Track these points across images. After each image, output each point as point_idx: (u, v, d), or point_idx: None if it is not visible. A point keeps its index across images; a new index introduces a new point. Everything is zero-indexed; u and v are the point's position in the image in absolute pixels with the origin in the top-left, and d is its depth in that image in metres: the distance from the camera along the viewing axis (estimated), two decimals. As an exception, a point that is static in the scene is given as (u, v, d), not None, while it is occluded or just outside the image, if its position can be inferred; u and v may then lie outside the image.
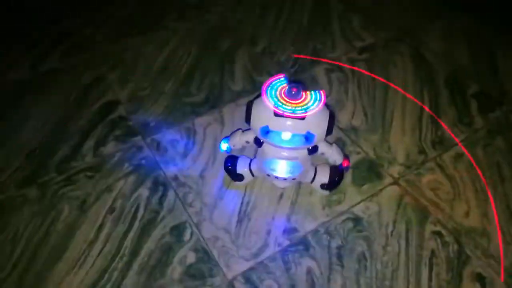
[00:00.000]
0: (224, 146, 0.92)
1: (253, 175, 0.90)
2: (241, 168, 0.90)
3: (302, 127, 0.74)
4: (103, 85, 1.18)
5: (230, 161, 0.90)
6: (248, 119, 0.77)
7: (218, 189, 0.93)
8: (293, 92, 0.73)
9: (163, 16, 1.42)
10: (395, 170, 0.95)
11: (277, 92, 0.74)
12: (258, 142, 0.82)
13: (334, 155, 0.84)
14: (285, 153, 0.80)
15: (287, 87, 0.74)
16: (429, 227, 0.84)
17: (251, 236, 0.85)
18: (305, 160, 0.82)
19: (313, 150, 0.80)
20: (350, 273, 0.79)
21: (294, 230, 0.85)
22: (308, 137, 0.75)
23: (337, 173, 0.87)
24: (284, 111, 0.72)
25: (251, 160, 0.90)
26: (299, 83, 0.76)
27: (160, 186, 0.94)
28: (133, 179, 0.95)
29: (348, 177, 0.93)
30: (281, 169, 0.83)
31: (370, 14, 1.39)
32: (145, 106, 1.12)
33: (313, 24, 1.36)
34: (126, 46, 1.31)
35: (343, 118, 1.06)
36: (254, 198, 0.91)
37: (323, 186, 0.88)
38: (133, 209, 0.90)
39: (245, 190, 0.92)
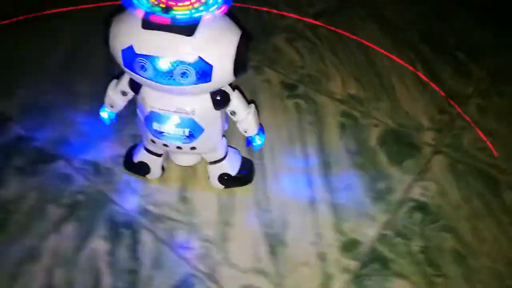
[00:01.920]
0: (104, 114, 0.60)
1: (155, 154, 0.60)
2: (137, 152, 0.61)
3: (189, 50, 0.44)
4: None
5: (126, 156, 0.64)
6: (107, 40, 0.47)
7: (219, 208, 0.60)
8: None
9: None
10: (428, 136, 0.74)
11: None
12: (133, 86, 0.52)
13: (248, 121, 0.56)
14: (170, 102, 0.50)
15: None
16: (509, 195, 0.65)
17: (298, 269, 0.55)
18: (209, 117, 0.53)
19: (221, 100, 0.51)
20: (458, 282, 0.54)
21: (354, 243, 0.58)
22: (200, 69, 0.45)
23: (247, 171, 0.63)
24: (159, 16, 0.43)
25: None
26: None
27: (124, 229, 0.57)
28: (71, 230, 0.56)
29: (380, 155, 0.70)
30: (167, 129, 0.52)
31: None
32: (52, 116, 0.72)
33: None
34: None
35: (335, 89, 0.83)
36: (280, 211, 0.61)
37: (222, 177, 0.61)
38: (88, 280, 0.51)
39: (265, 202, 0.61)
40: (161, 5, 0.44)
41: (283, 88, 0.82)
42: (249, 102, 0.57)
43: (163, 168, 0.63)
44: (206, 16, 0.44)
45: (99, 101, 0.60)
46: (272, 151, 0.69)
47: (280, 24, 1.00)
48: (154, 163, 0.61)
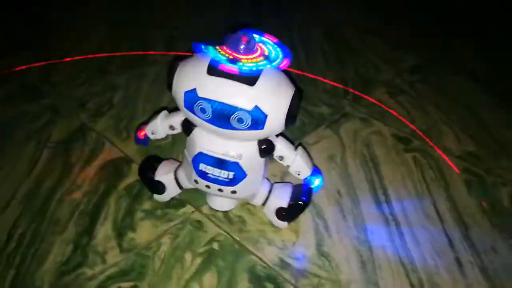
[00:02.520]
0: (140, 134, 0.61)
1: (180, 185, 0.62)
2: (162, 173, 0.61)
3: (248, 99, 0.47)
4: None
5: (148, 163, 0.63)
6: (170, 83, 0.51)
7: (362, 264, 0.56)
8: (243, 43, 0.48)
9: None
10: None
11: (218, 48, 0.50)
12: (186, 127, 0.55)
13: (298, 164, 0.57)
14: (220, 145, 0.53)
15: (232, 39, 0.49)
16: None
17: None
18: (254, 164, 0.55)
19: (266, 149, 0.54)
20: None
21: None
22: (255, 117, 0.48)
23: (303, 194, 0.59)
24: (227, 65, 0.47)
25: (179, 165, 0.62)
26: (251, 31, 0.51)
27: (268, 284, 0.54)
28: (212, 280, 0.53)
29: None
30: (212, 171, 0.54)
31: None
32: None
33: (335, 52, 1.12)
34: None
35: (450, 144, 0.80)
36: (427, 272, 0.57)
37: (279, 212, 0.59)
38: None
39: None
40: (229, 56, 0.48)
41: (397, 141, 0.80)
42: (295, 145, 0.58)
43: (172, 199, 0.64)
44: (267, 69, 0.48)
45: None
46: (402, 208, 0.66)
47: (378, 79, 1.00)
48: (172, 191, 0.62)
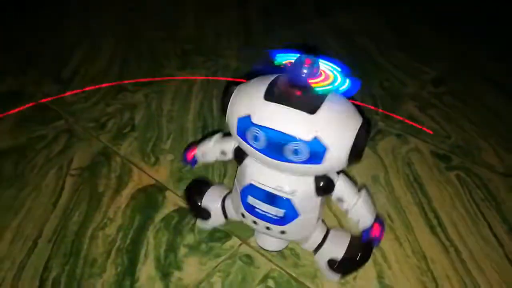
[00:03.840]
0: (190, 154, 0.56)
1: (225, 215, 0.57)
2: (209, 199, 0.57)
3: (307, 128, 0.41)
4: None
5: (194, 186, 0.60)
6: (224, 108, 0.47)
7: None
8: (306, 67, 0.43)
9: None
10: None
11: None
12: (238, 155, 0.50)
13: (359, 210, 0.48)
14: (272, 178, 0.47)
15: (295, 61, 0.44)
16: None
17: None
18: (308, 203, 0.48)
19: (324, 187, 0.47)
20: None
21: None
22: (314, 149, 0.42)
23: (361, 247, 0.51)
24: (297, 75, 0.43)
25: (228, 193, 0.57)
26: (317, 57, 0.45)
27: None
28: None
29: None
30: (261, 206, 0.48)
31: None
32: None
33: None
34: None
35: (492, 161, 0.77)
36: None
37: (332, 264, 0.52)
38: None
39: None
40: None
41: (437, 158, 0.77)
42: (358, 186, 0.50)
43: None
44: (331, 97, 0.43)
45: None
46: (458, 232, 0.62)
47: (405, 92, 0.97)
48: (216, 220, 0.57)
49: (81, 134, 0.76)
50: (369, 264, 0.57)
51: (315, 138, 0.41)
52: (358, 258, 0.51)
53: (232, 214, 0.56)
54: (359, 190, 0.49)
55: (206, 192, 0.57)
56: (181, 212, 0.62)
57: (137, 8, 1.32)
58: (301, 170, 0.44)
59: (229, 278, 0.54)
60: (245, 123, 0.44)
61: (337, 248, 0.52)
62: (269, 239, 0.56)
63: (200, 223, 0.59)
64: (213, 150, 0.54)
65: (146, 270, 0.54)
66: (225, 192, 0.58)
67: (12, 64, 0.96)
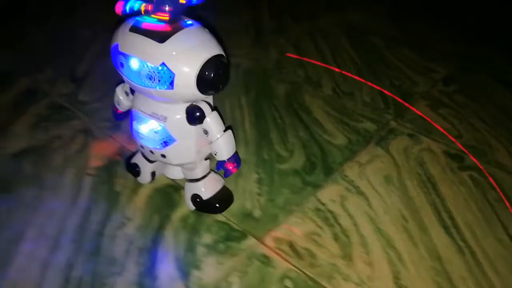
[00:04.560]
0: (114, 110, 0.65)
1: (146, 158, 0.64)
2: (135, 155, 0.66)
3: (157, 55, 0.48)
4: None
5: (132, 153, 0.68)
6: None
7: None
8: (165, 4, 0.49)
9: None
10: None
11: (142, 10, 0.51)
12: (132, 89, 0.59)
13: (218, 144, 0.56)
14: (148, 106, 0.55)
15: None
16: None
17: None
18: (183, 130, 0.55)
19: (194, 116, 0.54)
20: None
21: None
22: (164, 74, 0.48)
23: (222, 199, 0.62)
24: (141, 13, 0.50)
25: None
26: None
27: None
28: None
29: None
30: (144, 130, 0.57)
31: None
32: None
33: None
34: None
35: (505, 161, 0.78)
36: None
37: (194, 198, 0.62)
38: None
39: None
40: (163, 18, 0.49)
41: (449, 158, 0.77)
42: (226, 128, 0.57)
43: (153, 176, 0.66)
44: (187, 30, 0.49)
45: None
46: (473, 234, 0.63)
47: (415, 91, 0.97)
48: (145, 168, 0.64)
49: (97, 134, 0.77)
50: (384, 264, 0.58)
51: (163, 64, 0.48)
52: (211, 207, 0.61)
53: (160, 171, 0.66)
54: (226, 130, 0.56)
55: (138, 152, 0.65)
56: (197, 212, 0.63)
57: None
58: (160, 95, 0.51)
59: (247, 277, 0.55)
60: (115, 51, 0.52)
61: (204, 191, 0.61)
62: (170, 169, 0.66)
63: (140, 180, 0.66)
64: (121, 96, 0.61)
65: (166, 269, 0.55)
66: None
67: (26, 64, 0.96)
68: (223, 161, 0.57)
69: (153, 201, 0.65)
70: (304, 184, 0.70)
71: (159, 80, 0.49)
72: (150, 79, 0.49)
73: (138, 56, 0.49)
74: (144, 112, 0.55)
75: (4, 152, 0.71)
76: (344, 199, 0.67)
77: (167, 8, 0.49)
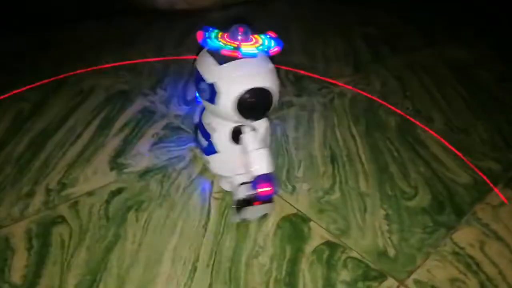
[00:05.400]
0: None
1: None
2: None
3: (212, 74, 0.57)
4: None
5: None
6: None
7: None
8: (240, 33, 0.57)
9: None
10: None
11: (218, 37, 0.59)
12: None
13: (252, 157, 0.58)
14: (206, 114, 0.64)
15: (231, 30, 0.58)
16: None
17: None
18: (226, 145, 0.61)
19: (235, 134, 0.60)
20: None
21: None
22: (210, 90, 0.56)
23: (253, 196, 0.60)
24: (225, 50, 0.56)
25: None
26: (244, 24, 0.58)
27: None
28: None
29: None
30: (199, 134, 0.66)
31: None
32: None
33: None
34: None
35: None
36: None
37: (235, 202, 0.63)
38: None
39: None
40: (229, 43, 0.57)
41: None
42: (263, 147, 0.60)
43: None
44: (247, 60, 0.56)
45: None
46: None
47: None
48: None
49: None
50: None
51: (214, 83, 0.55)
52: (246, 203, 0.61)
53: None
54: (261, 147, 0.59)
55: None
56: (331, 246, 0.61)
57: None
58: (207, 107, 0.60)
59: (395, 322, 0.51)
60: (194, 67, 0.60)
61: (243, 191, 0.62)
62: (223, 180, 0.69)
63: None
64: None
65: (308, 305, 0.53)
66: None
67: (142, 84, 1.00)
68: (255, 181, 0.57)
69: (282, 231, 0.64)
70: (436, 224, 0.66)
71: (207, 95, 0.57)
72: (203, 92, 0.58)
73: (200, 71, 0.58)
74: (203, 121, 0.64)
75: (132, 170, 0.73)
76: (483, 244, 0.63)
77: (239, 37, 0.57)
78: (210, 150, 0.63)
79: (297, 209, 0.68)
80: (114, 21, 1.30)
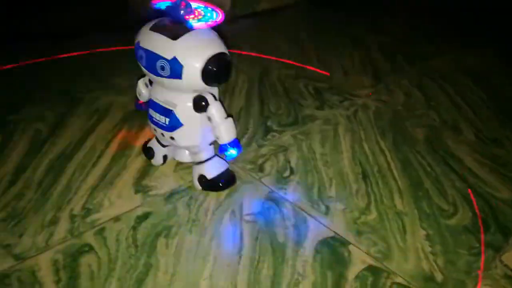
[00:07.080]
0: (138, 103, 0.72)
1: (160, 143, 0.72)
2: (151, 140, 0.74)
3: (170, 50, 0.58)
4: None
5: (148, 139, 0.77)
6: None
7: None
8: (182, 8, 0.58)
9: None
10: None
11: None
12: (150, 80, 0.68)
13: (220, 129, 0.64)
14: (162, 94, 0.64)
15: (173, 5, 0.59)
16: None
17: None
18: (190, 116, 0.64)
19: (199, 104, 0.63)
20: None
21: None
22: (173, 66, 0.58)
23: (227, 176, 0.70)
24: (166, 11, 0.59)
25: None
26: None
27: None
28: None
29: None
30: (155, 116, 0.66)
31: None
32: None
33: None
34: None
35: None
36: None
37: (200, 179, 0.69)
38: None
39: None
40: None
41: None
42: (227, 115, 0.65)
43: (165, 159, 0.74)
44: (197, 30, 0.58)
45: None
46: None
47: None
48: (158, 151, 0.72)
49: (243, 177, 0.75)
50: None
51: (174, 58, 0.57)
52: (215, 185, 0.69)
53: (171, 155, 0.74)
54: (227, 117, 0.64)
55: (153, 138, 0.72)
56: (374, 271, 0.58)
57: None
58: (170, 84, 0.60)
59: None
60: (137, 47, 0.61)
61: (209, 171, 0.68)
62: (179, 152, 0.73)
63: (154, 162, 0.73)
64: (142, 87, 0.69)
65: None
66: None
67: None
68: (225, 145, 0.65)
69: (321, 256, 0.60)
70: (482, 245, 0.63)
71: (170, 71, 0.58)
72: (163, 70, 0.58)
73: (154, 50, 0.58)
74: (159, 100, 0.64)
75: (157, 192, 0.70)
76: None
77: (181, 12, 0.58)
78: (173, 125, 0.64)
79: (334, 232, 0.64)
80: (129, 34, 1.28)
